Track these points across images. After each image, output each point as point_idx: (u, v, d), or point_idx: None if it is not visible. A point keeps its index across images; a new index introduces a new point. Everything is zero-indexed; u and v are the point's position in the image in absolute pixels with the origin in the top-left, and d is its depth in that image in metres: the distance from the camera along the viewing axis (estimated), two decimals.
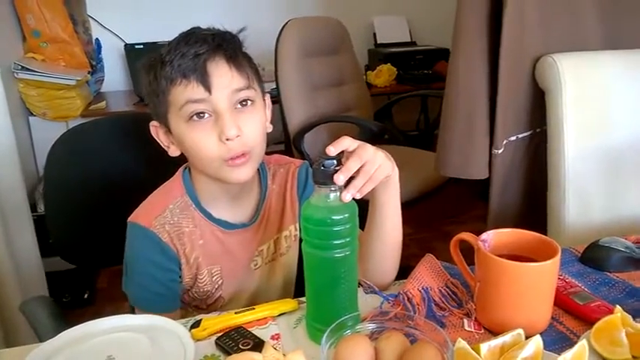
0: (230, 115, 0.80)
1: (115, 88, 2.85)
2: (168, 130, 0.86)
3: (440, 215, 2.77)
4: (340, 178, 0.69)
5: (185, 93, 0.80)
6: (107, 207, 1.11)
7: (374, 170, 0.72)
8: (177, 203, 0.89)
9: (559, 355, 0.67)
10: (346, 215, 0.71)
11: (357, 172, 0.71)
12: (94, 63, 2.64)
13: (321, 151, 0.92)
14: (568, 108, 1.24)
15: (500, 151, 1.31)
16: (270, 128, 0.91)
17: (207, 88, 0.79)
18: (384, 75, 2.96)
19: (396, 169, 0.78)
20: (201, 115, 0.81)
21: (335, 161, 0.70)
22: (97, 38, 2.74)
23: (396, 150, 2.45)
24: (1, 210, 1.56)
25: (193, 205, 0.90)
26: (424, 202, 2.02)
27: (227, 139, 0.80)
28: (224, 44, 0.81)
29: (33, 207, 1.91)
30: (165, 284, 0.89)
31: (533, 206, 1.36)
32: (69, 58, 2.49)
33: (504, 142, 1.33)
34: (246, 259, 0.95)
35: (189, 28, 0.83)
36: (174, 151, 0.88)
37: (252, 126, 0.84)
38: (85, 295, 2.19)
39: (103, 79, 2.79)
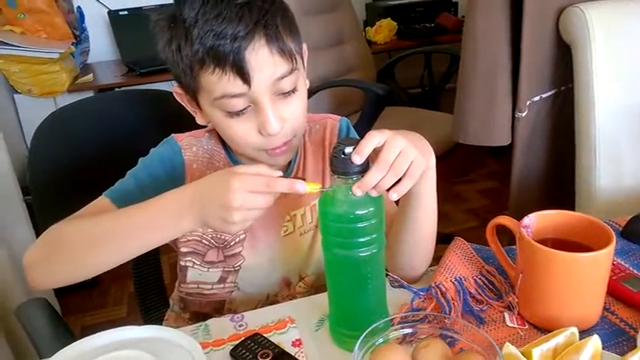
0: (272, 107, 0.70)
1: (102, 59, 2.71)
2: (195, 101, 0.76)
3: (449, 175, 2.67)
4: (357, 159, 0.60)
5: (220, 85, 0.68)
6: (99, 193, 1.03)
7: (408, 165, 0.61)
8: (214, 136, 0.83)
9: (619, 355, 0.60)
10: (371, 209, 0.62)
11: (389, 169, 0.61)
12: (77, 33, 2.50)
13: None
14: (597, 63, 1.14)
15: (523, 114, 1.21)
16: (307, 84, 0.80)
17: (247, 81, 0.67)
18: (384, 31, 2.81)
19: (433, 158, 0.67)
20: (240, 110, 0.71)
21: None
22: (78, 6, 2.58)
23: (401, 112, 2.36)
24: None
25: (224, 150, 0.83)
26: None
27: (269, 134, 0.71)
28: (263, 19, 0.67)
29: (26, 190, 1.81)
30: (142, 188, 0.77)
31: (560, 172, 1.26)
32: (50, 29, 2.35)
33: (528, 102, 1.22)
34: (273, 221, 0.84)
35: None
36: (201, 120, 0.79)
37: (296, 112, 0.74)
38: None
39: (88, 50, 2.66)
